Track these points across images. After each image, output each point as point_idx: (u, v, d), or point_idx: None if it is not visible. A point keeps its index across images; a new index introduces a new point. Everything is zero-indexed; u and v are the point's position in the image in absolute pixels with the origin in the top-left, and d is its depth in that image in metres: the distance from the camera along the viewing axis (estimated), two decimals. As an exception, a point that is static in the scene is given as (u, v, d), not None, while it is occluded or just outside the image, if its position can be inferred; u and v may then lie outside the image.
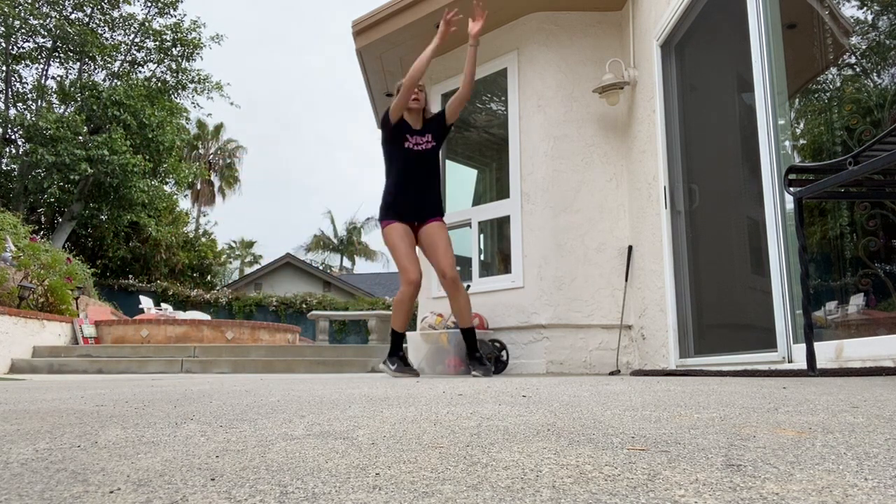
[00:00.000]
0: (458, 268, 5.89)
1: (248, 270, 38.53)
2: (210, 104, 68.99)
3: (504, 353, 4.84)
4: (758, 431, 1.04)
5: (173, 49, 18.57)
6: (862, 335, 2.56)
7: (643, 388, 2.09)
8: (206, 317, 11.20)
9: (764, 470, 0.76)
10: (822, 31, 3.02)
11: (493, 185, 6.15)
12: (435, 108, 6.04)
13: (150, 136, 17.05)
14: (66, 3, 17.55)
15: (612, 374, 4.50)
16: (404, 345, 4.28)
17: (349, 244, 41.47)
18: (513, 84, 5.38)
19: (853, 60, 2.98)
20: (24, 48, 17.73)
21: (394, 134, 4.07)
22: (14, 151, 17.63)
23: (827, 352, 2.53)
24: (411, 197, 4.10)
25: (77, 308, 9.56)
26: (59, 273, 8.97)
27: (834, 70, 3.04)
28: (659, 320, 4.27)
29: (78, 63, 18.13)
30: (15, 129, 17.20)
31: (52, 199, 17.00)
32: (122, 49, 18.55)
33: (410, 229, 4.12)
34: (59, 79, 18.06)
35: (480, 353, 4.08)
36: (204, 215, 33.33)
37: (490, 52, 5.58)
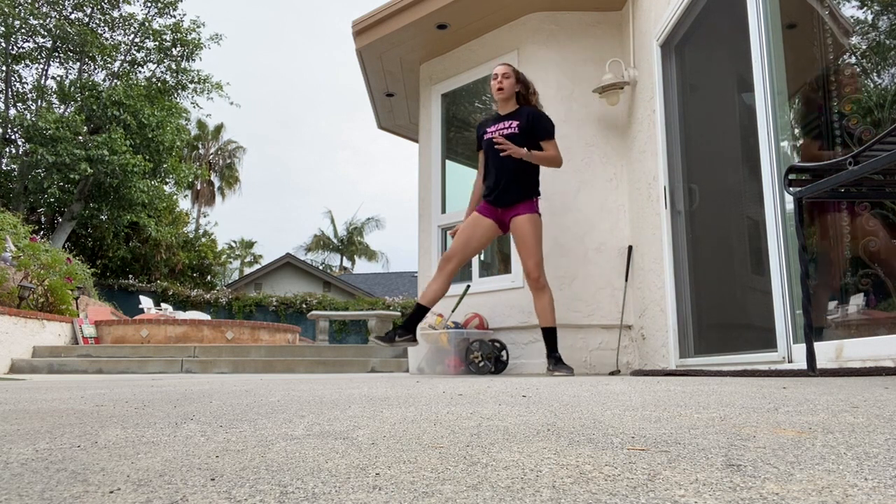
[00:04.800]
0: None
1: (248, 270, 38.52)
2: (210, 104, 68.98)
3: (504, 353, 4.84)
4: (758, 431, 1.04)
5: (173, 49, 18.59)
6: (862, 335, 2.55)
7: (643, 388, 2.09)
8: (206, 317, 11.21)
9: (764, 470, 0.76)
10: (822, 31, 3.02)
11: (493, 185, 6.13)
12: (434, 109, 6.05)
13: (149, 136, 17.06)
14: (66, 3, 17.57)
15: (612, 374, 4.50)
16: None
17: (349, 244, 41.48)
18: (513, 84, 5.37)
19: (853, 60, 2.98)
20: (24, 48, 17.75)
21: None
22: (14, 151, 17.64)
23: (827, 352, 2.53)
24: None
25: (77, 308, 9.56)
26: (59, 273, 8.97)
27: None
28: (659, 320, 4.27)
29: (78, 63, 18.14)
30: (15, 129, 17.21)
31: (52, 199, 17.00)
32: (121, 49, 18.57)
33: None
34: (58, 79, 18.07)
35: (559, 354, 4.13)
36: (204, 215, 33.34)
37: (490, 52, 5.58)
